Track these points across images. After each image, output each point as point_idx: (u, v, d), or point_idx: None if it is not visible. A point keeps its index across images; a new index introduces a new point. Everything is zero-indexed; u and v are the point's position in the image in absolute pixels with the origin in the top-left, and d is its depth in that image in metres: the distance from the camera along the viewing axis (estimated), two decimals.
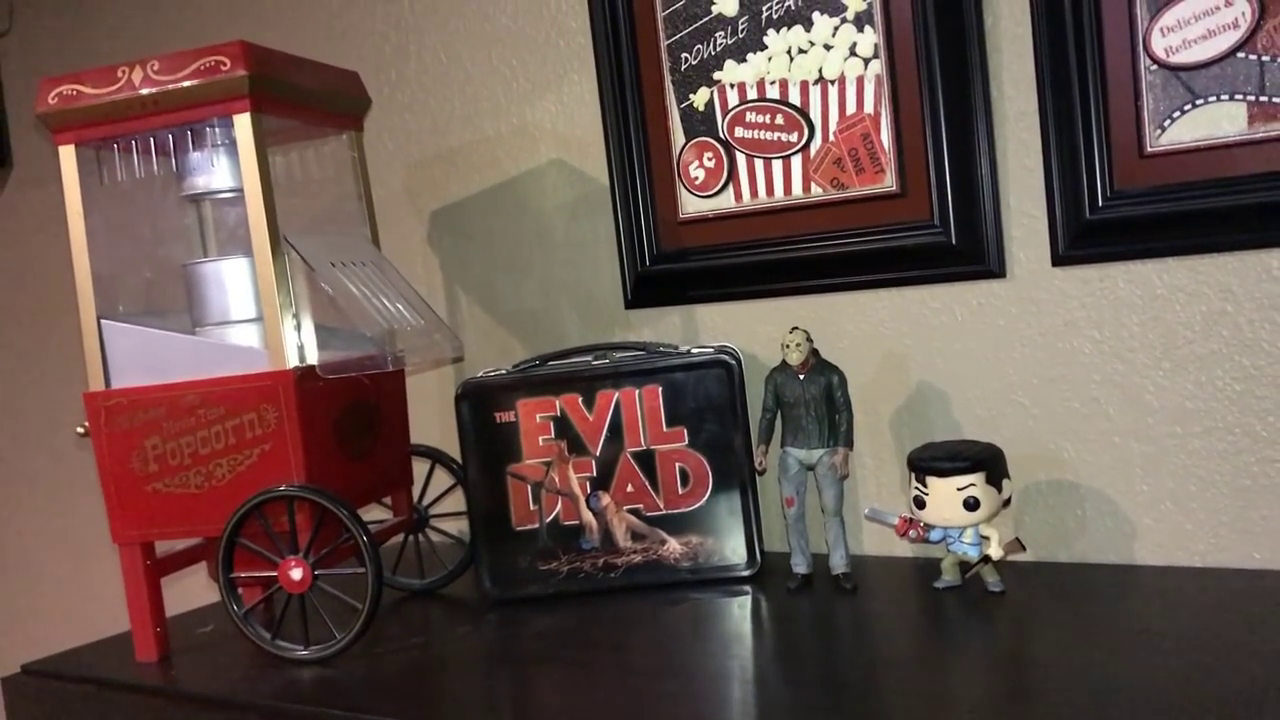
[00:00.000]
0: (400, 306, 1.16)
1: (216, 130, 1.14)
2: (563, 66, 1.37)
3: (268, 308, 1.06)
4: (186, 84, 1.04)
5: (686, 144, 1.27)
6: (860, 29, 1.15)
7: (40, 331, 2.04)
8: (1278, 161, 0.98)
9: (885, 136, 1.15)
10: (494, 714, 0.93)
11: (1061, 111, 1.06)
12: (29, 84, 1.91)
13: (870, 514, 1.11)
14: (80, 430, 1.12)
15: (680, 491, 1.16)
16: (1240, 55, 0.98)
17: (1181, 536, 1.07)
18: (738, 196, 1.25)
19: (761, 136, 1.22)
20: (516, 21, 1.40)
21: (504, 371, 1.20)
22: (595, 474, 1.17)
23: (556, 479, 1.18)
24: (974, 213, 1.12)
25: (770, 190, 1.23)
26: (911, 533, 1.07)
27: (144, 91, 1.05)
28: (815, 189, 1.20)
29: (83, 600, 2.05)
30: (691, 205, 1.28)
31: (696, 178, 1.27)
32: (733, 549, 1.16)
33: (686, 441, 1.16)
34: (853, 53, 1.16)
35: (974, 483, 1.02)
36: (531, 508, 1.18)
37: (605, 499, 1.17)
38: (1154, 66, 1.02)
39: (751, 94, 1.22)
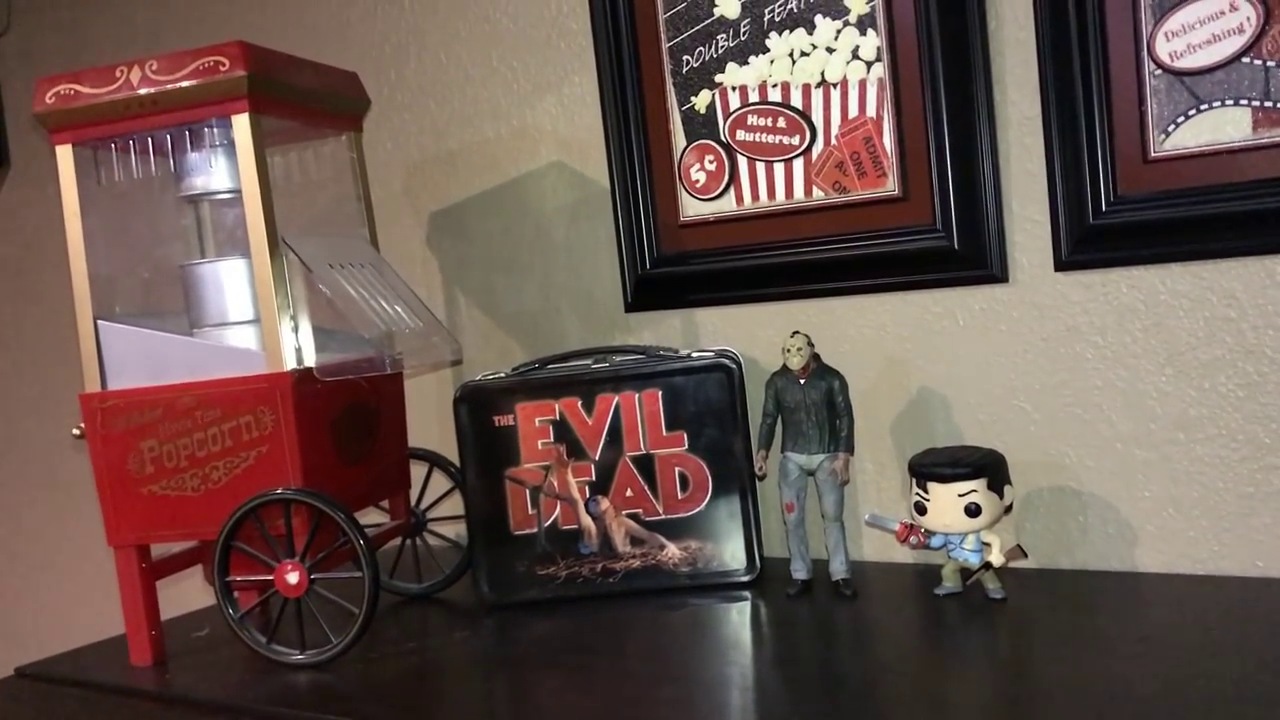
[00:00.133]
0: (399, 309, 1.15)
1: (215, 131, 1.14)
2: (563, 68, 1.36)
3: (265, 309, 1.05)
4: (185, 84, 1.03)
5: (687, 146, 1.26)
6: (863, 32, 1.14)
7: (36, 332, 2.03)
8: None
9: (887, 140, 1.15)
10: None
11: (1065, 116, 1.05)
12: (27, 83, 1.90)
13: (871, 520, 1.10)
14: (76, 432, 1.12)
15: (680, 496, 1.15)
16: (1245, 60, 0.98)
17: (1184, 544, 1.07)
18: (739, 199, 1.24)
19: (763, 139, 1.21)
20: (517, 23, 1.39)
21: (503, 374, 1.19)
22: (594, 478, 1.16)
23: (555, 483, 1.17)
24: (976, 217, 1.11)
25: (772, 193, 1.22)
26: (912, 539, 1.06)
27: (142, 91, 1.04)
28: (817, 192, 1.20)
29: (77, 603, 2.04)
30: (692, 208, 1.27)
31: (697, 180, 1.26)
32: (732, 554, 1.15)
33: (686, 446, 1.15)
34: (855, 56, 1.15)
35: (975, 489, 1.01)
36: (530, 512, 1.18)
37: (604, 503, 1.17)
38: (1158, 71, 1.01)
39: (753, 97, 1.21)
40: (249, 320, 1.13)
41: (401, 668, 1.04)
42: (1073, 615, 0.98)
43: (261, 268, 1.05)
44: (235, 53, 1.02)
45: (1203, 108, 1.00)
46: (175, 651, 1.15)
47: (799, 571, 1.12)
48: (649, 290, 1.31)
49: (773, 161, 1.21)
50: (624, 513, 1.16)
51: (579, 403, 1.16)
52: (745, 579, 1.15)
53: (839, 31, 1.15)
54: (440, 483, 1.33)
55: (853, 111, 1.16)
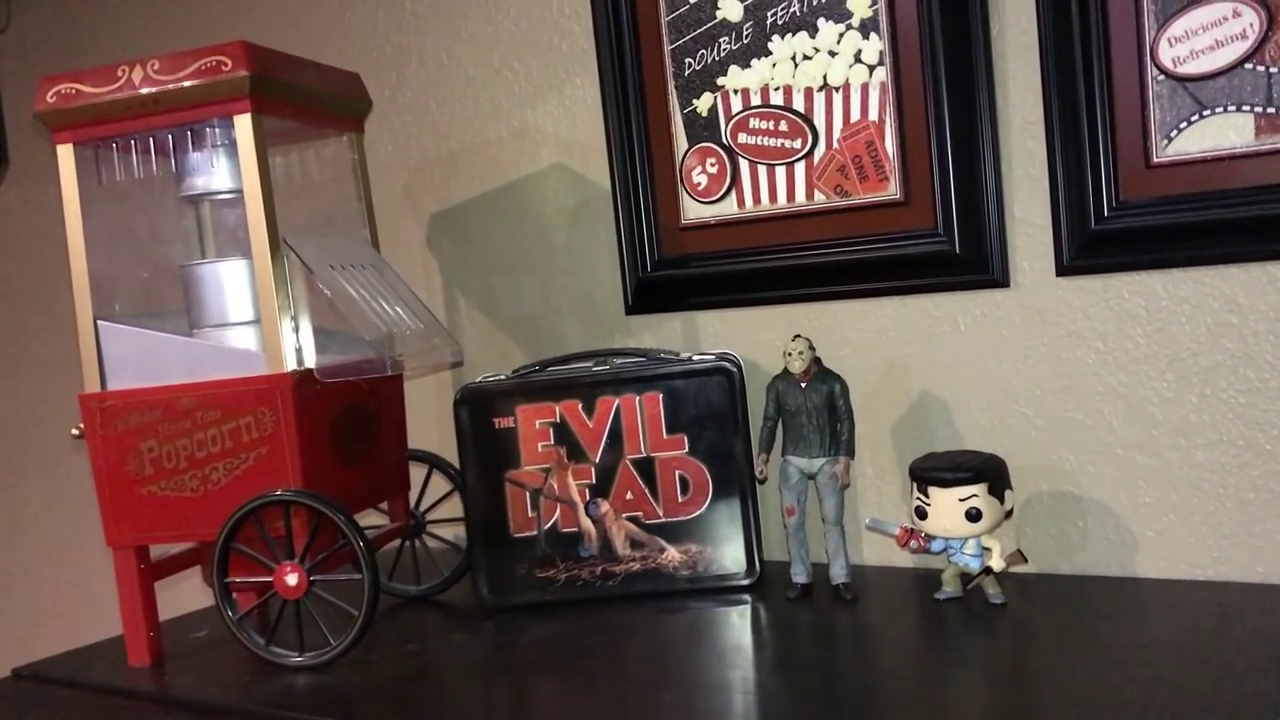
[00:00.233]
0: (400, 310, 1.15)
1: (216, 131, 1.14)
2: (565, 70, 1.36)
3: (266, 310, 1.05)
4: (187, 84, 1.03)
5: (689, 149, 1.26)
6: (865, 36, 1.14)
7: (35, 332, 2.03)
8: None
9: (890, 144, 1.15)
10: None
11: (1067, 121, 1.05)
12: (25, 82, 1.90)
13: (871, 524, 1.10)
14: (75, 432, 1.11)
15: (680, 499, 1.15)
16: (1248, 66, 0.98)
17: (1184, 550, 1.07)
18: (740, 203, 1.24)
19: (765, 143, 1.21)
20: (519, 24, 1.39)
21: (504, 377, 1.19)
22: (594, 481, 1.16)
23: (555, 486, 1.17)
24: (978, 222, 1.11)
25: (773, 197, 1.22)
26: (913, 543, 1.06)
27: (144, 91, 1.04)
28: (819, 196, 1.20)
29: (75, 603, 2.03)
30: (694, 211, 1.27)
31: (699, 183, 1.26)
32: (732, 558, 1.15)
33: (687, 449, 1.15)
34: (858, 59, 1.15)
35: (976, 493, 1.01)
36: (530, 514, 1.17)
37: (604, 506, 1.16)
38: (1161, 77, 1.01)
39: (755, 100, 1.21)
40: (249, 321, 1.13)
41: (400, 670, 1.03)
42: (1072, 621, 0.98)
43: (263, 268, 1.05)
44: (237, 53, 1.02)
45: (1205, 113, 1.00)
46: (173, 653, 1.14)
47: (799, 575, 1.12)
48: (650, 293, 1.31)
49: (774, 165, 1.21)
50: (624, 516, 1.16)
51: (579, 405, 1.16)
52: (745, 582, 1.15)
53: (841, 35, 1.15)
54: (439, 485, 1.33)
55: (855, 115, 1.16)
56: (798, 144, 1.20)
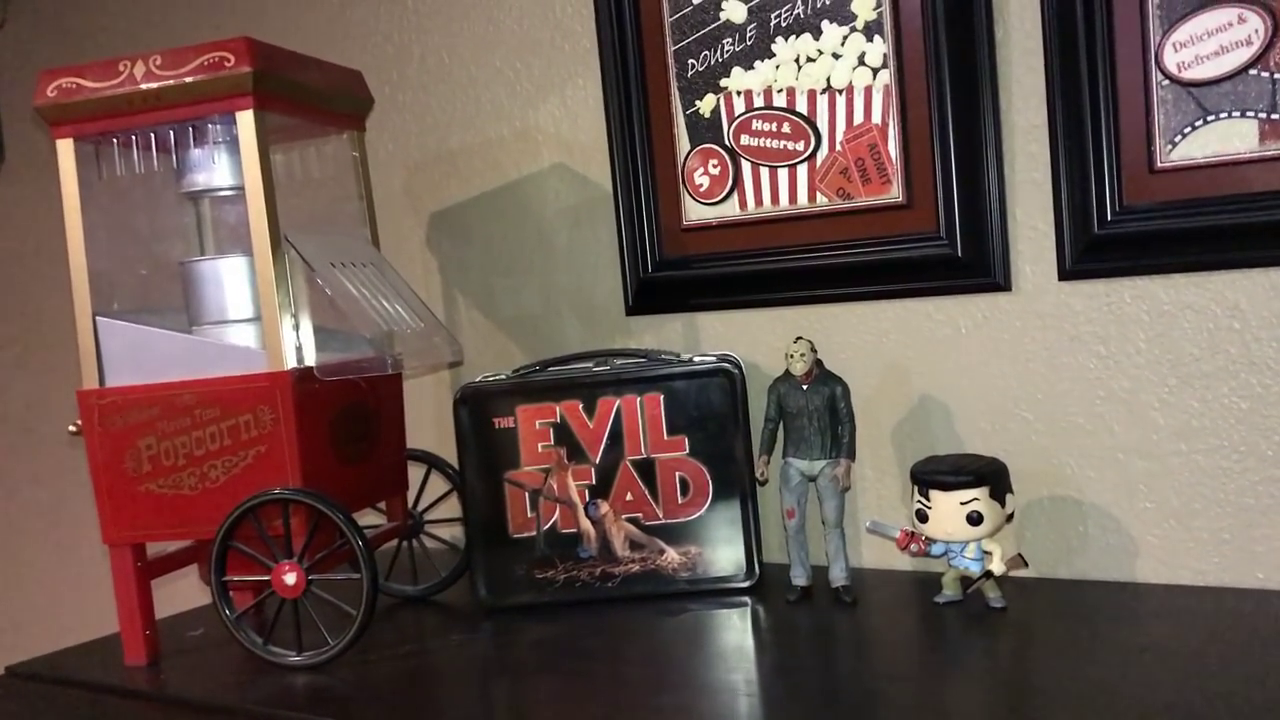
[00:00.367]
0: (400, 309, 1.15)
1: (217, 127, 1.13)
2: (567, 70, 1.36)
3: (266, 307, 1.04)
4: (190, 79, 1.02)
5: (691, 150, 1.26)
6: (869, 38, 1.14)
7: (30, 327, 2.02)
8: None
9: (893, 147, 1.15)
10: None
11: (1071, 125, 1.05)
12: (21, 77, 1.89)
13: (872, 526, 1.10)
14: (72, 429, 1.11)
15: (680, 501, 1.15)
16: (1252, 72, 0.98)
17: (1184, 555, 1.07)
18: (742, 204, 1.24)
19: (767, 145, 1.21)
20: (521, 24, 1.39)
21: (504, 376, 1.19)
22: (594, 482, 1.16)
23: (555, 486, 1.16)
24: (981, 225, 1.11)
25: (775, 199, 1.22)
26: (913, 546, 1.06)
27: (146, 86, 1.04)
28: (821, 198, 1.19)
29: (70, 601, 2.02)
30: (695, 212, 1.27)
31: (701, 185, 1.26)
32: (732, 560, 1.15)
33: (687, 450, 1.15)
34: (861, 62, 1.15)
35: (978, 497, 1.01)
36: (529, 515, 1.17)
37: (604, 507, 1.16)
38: (1166, 82, 1.01)
39: (758, 102, 1.21)
40: (249, 318, 1.13)
41: (398, 670, 1.03)
42: (1073, 625, 0.98)
43: (264, 265, 1.04)
44: (241, 49, 1.02)
45: (1210, 119, 1.00)
46: (169, 651, 1.14)
47: (799, 578, 1.12)
48: (650, 294, 1.31)
49: (777, 167, 1.21)
50: (624, 517, 1.16)
51: (580, 406, 1.16)
52: (744, 585, 1.14)
53: (845, 37, 1.15)
54: (437, 484, 1.32)
55: (858, 118, 1.16)
56: (800, 146, 1.19)
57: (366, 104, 1.25)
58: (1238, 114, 0.99)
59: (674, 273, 1.29)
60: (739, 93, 1.22)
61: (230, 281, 1.12)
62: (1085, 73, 1.04)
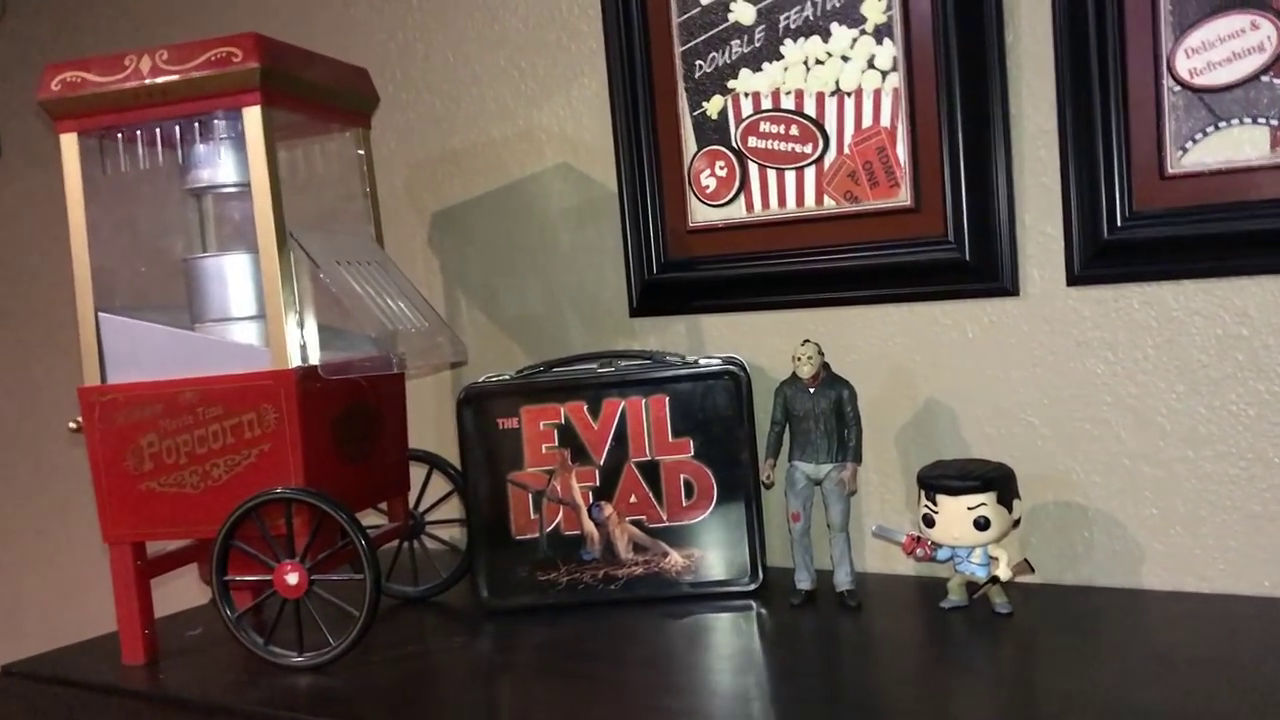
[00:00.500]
0: (404, 308, 1.14)
1: (222, 123, 1.12)
2: (573, 70, 1.35)
3: (271, 305, 1.04)
4: (196, 75, 1.02)
5: (698, 152, 1.25)
6: (879, 41, 1.14)
7: (28, 324, 2.00)
8: None
9: (901, 150, 1.14)
10: None
11: (1081, 130, 1.05)
12: (20, 70, 1.87)
13: (877, 531, 1.09)
14: (73, 425, 1.10)
15: (684, 503, 1.14)
16: (1265, 79, 0.97)
17: (1191, 562, 1.06)
18: (749, 206, 1.23)
19: (775, 147, 1.21)
20: (527, 23, 1.38)
21: (508, 377, 1.18)
22: (598, 483, 1.15)
23: (558, 487, 1.16)
24: (989, 229, 1.11)
25: (783, 201, 1.21)
26: (919, 551, 1.05)
27: (152, 81, 1.03)
28: (828, 201, 1.19)
29: (68, 600, 2.01)
30: (701, 214, 1.26)
31: (707, 186, 1.25)
32: (736, 563, 1.14)
33: (692, 453, 1.14)
34: (871, 65, 1.14)
35: (985, 502, 1.01)
36: (532, 516, 1.16)
37: (607, 509, 1.15)
38: (1177, 88, 1.01)
39: (766, 104, 1.21)
40: (252, 316, 1.12)
41: (399, 672, 1.02)
42: (1078, 631, 0.98)
43: (269, 262, 1.03)
44: (248, 44, 1.01)
45: (1221, 125, 1.00)
46: (168, 651, 1.13)
47: (803, 581, 1.11)
48: (655, 295, 1.31)
49: (784, 169, 1.21)
50: (627, 519, 1.15)
51: (584, 407, 1.15)
52: (748, 588, 1.14)
53: (855, 40, 1.15)
54: (439, 485, 1.31)
55: (867, 121, 1.16)
56: (808, 148, 1.19)
57: (372, 101, 1.24)
58: (1249, 121, 0.99)
59: (679, 274, 1.28)
60: (747, 94, 1.21)
61: (234, 279, 1.11)
62: (1096, 77, 1.03)
